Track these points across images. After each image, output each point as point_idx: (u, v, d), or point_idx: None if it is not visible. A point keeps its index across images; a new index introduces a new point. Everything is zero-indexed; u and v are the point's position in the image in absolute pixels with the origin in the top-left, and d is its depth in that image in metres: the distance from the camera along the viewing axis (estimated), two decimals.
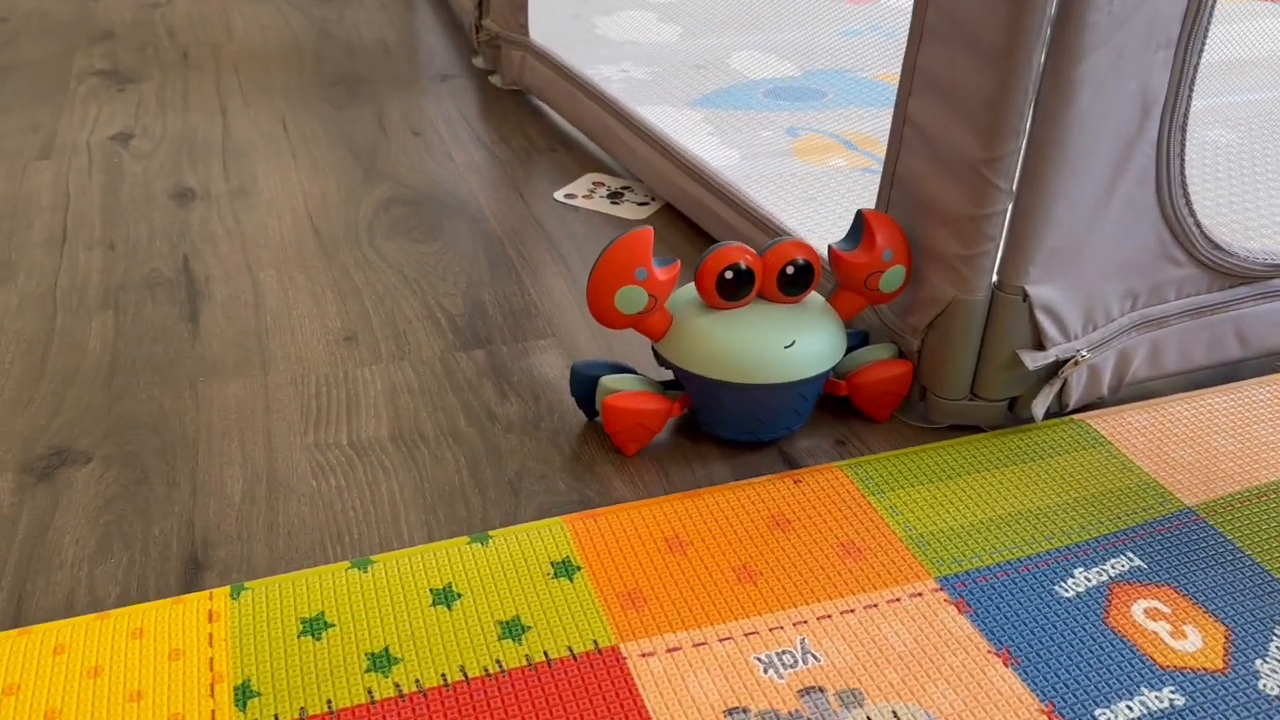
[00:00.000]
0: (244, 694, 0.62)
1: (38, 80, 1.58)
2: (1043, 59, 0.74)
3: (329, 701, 0.62)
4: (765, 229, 1.04)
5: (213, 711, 0.61)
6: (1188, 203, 0.84)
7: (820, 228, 1.08)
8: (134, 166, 1.32)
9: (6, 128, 1.41)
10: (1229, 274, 0.90)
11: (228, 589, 0.69)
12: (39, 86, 1.55)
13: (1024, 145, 0.77)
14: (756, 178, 1.19)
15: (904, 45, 0.82)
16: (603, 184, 1.30)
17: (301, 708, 0.62)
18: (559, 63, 1.42)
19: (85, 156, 1.34)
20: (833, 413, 0.89)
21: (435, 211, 1.22)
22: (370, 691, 0.63)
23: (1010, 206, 0.79)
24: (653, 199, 1.26)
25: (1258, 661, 0.66)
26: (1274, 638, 0.68)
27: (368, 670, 0.64)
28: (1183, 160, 0.82)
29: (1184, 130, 0.81)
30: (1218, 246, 0.88)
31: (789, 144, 1.31)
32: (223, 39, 1.76)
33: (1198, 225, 0.86)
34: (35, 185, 1.26)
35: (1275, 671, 0.66)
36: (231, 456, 0.83)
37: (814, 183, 1.20)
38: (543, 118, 1.48)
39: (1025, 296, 0.80)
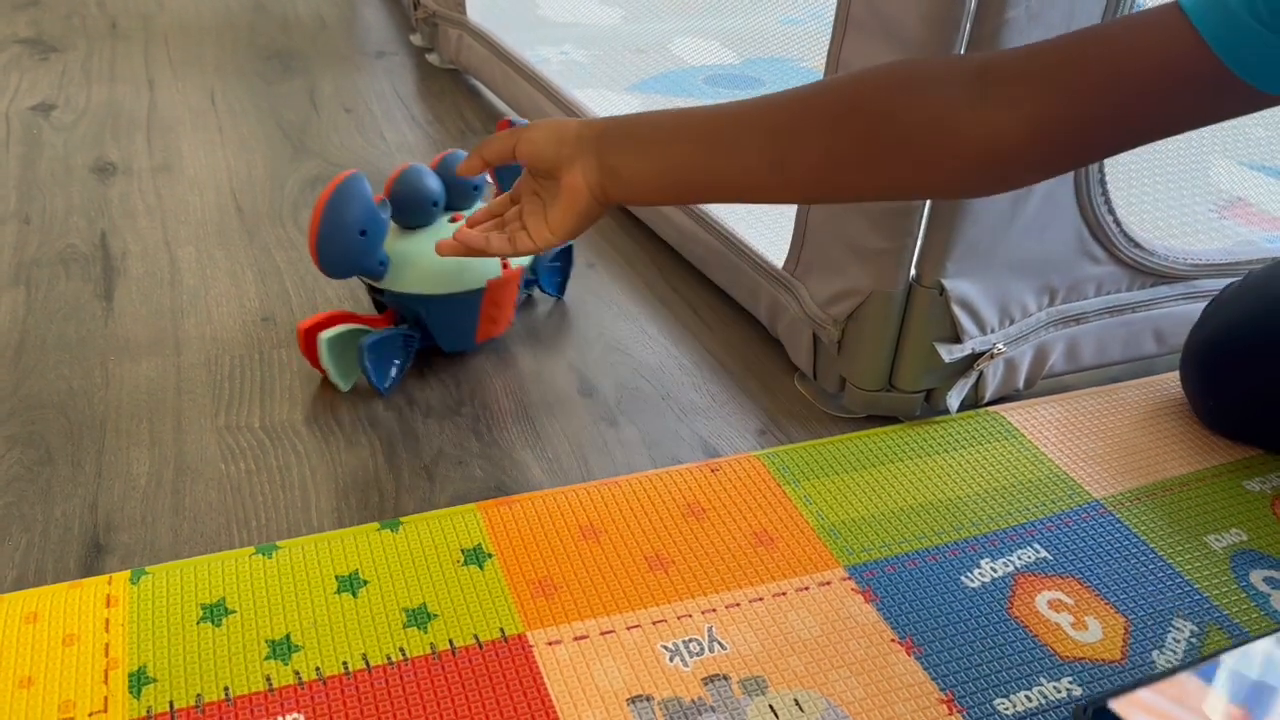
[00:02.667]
0: (139, 680, 0.61)
1: None
2: (962, 53, 0.74)
3: (226, 689, 0.61)
4: (696, 217, 1.04)
5: (105, 699, 0.60)
6: (1106, 200, 0.85)
7: (750, 216, 1.08)
8: (54, 138, 1.28)
9: None
10: (1149, 272, 0.91)
11: (128, 574, 0.68)
12: None
13: None
14: None
15: None
16: None
17: (198, 695, 0.61)
18: (495, 43, 1.40)
19: (3, 127, 1.30)
20: (755, 402, 0.89)
21: None
22: (269, 679, 0.62)
23: (929, 201, 0.79)
24: None
25: (1155, 653, 0.68)
26: (1172, 629, 0.69)
27: (267, 657, 0.63)
28: None
29: None
30: (1137, 245, 0.89)
31: None
32: (153, 9, 1.72)
33: (1117, 223, 0.87)
34: None
35: (1171, 662, 0.67)
36: (139, 438, 0.81)
37: None
38: (479, 98, 1.47)
39: (942, 290, 0.81)
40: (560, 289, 1.03)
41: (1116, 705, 0.58)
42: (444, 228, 0.88)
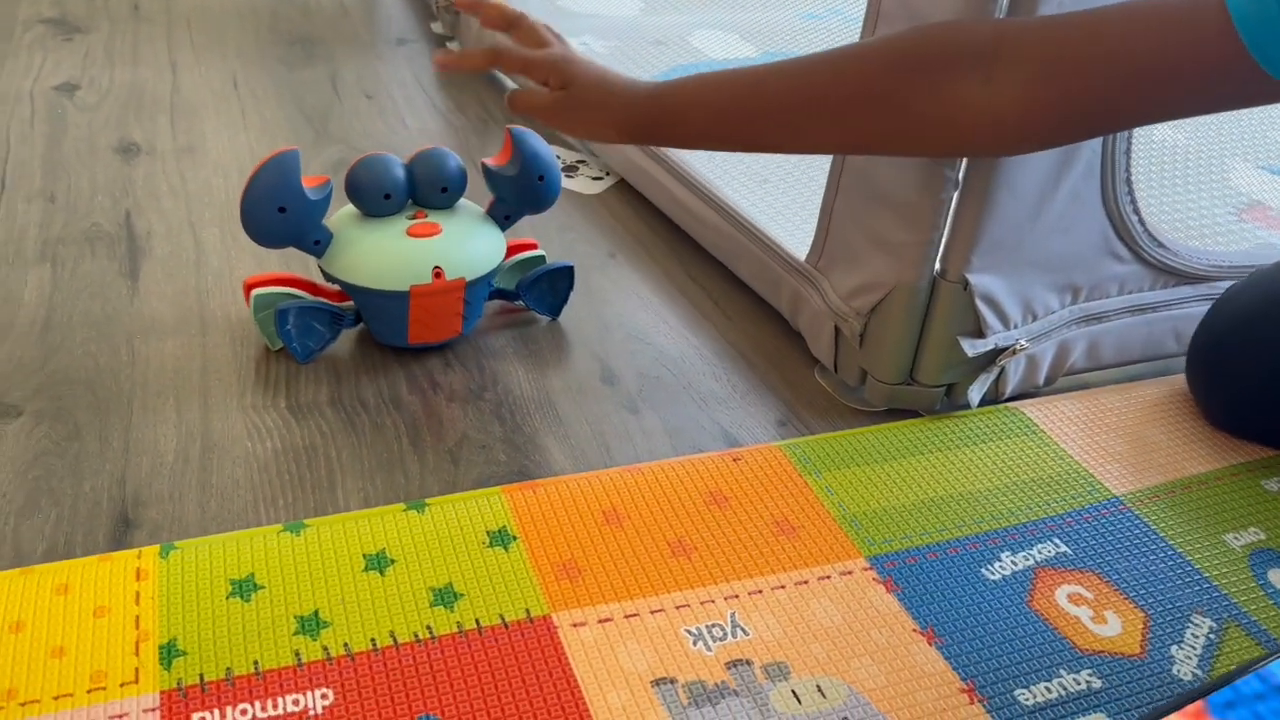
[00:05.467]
0: (169, 653, 0.62)
1: None
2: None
3: (255, 663, 0.62)
4: (717, 209, 1.05)
5: (136, 670, 0.61)
6: (1132, 199, 0.85)
7: (771, 209, 1.08)
8: (79, 118, 1.29)
9: None
10: (1172, 272, 0.91)
11: (157, 548, 0.69)
12: None
13: None
14: (710, 157, 1.19)
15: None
16: (558, 158, 1.29)
17: (228, 668, 0.61)
18: None
19: (28, 106, 1.30)
20: (775, 394, 0.90)
21: None
22: (298, 654, 0.62)
23: (956, 195, 0.79)
24: (607, 174, 1.25)
25: (1173, 647, 0.68)
26: (1190, 625, 0.70)
27: (296, 633, 0.64)
28: (1129, 156, 0.84)
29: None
30: (1161, 244, 0.89)
31: None
32: None
33: (1141, 222, 0.87)
34: None
35: (1190, 657, 0.68)
36: (166, 415, 0.82)
37: (767, 164, 1.20)
38: (500, 87, 1.47)
39: (966, 285, 0.81)
40: (555, 311, 0.98)
41: None
42: (400, 223, 0.87)
